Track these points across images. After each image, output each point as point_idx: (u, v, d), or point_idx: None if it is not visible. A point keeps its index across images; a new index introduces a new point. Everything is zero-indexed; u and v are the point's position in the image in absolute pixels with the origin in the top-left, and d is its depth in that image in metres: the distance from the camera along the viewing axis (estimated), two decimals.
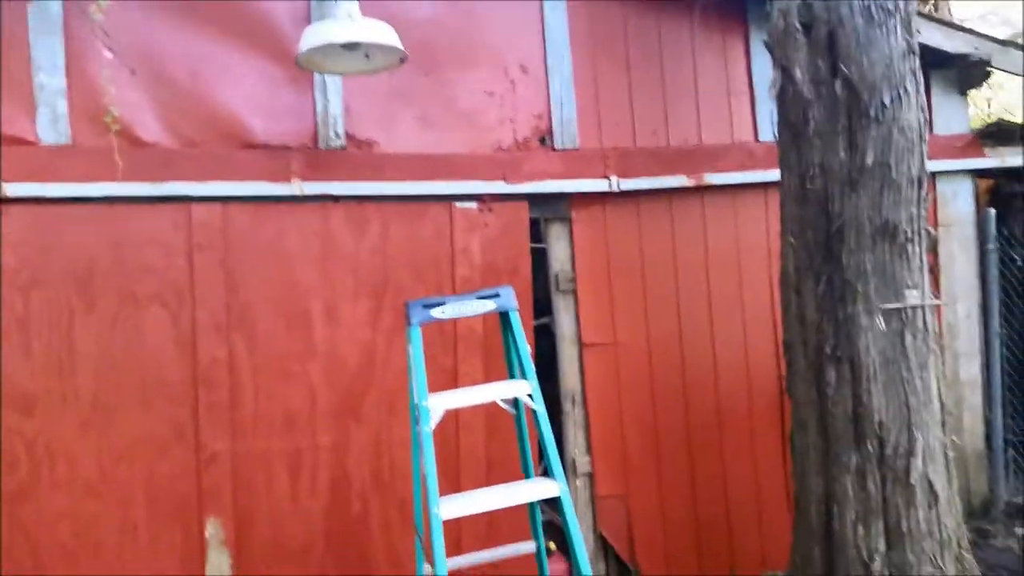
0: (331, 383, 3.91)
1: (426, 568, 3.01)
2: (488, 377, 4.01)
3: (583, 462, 4.32)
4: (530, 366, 2.98)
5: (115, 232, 3.66)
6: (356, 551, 3.88)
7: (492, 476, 3.83)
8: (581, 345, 4.34)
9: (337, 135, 4.02)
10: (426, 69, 4.19)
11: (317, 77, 3.99)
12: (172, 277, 3.71)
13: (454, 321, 3.98)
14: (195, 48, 3.86)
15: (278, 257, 3.89)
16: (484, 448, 4.08)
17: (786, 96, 3.52)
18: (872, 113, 3.27)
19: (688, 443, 4.46)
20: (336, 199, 3.97)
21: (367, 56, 3.62)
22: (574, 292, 4.35)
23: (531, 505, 3.14)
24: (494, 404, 3.10)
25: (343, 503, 3.88)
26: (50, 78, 3.63)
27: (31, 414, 3.51)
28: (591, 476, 4.33)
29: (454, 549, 3.42)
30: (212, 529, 3.68)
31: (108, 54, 3.63)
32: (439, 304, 3.07)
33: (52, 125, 3.63)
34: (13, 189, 3.51)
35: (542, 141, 4.41)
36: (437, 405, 2.89)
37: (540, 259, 4.39)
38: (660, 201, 4.48)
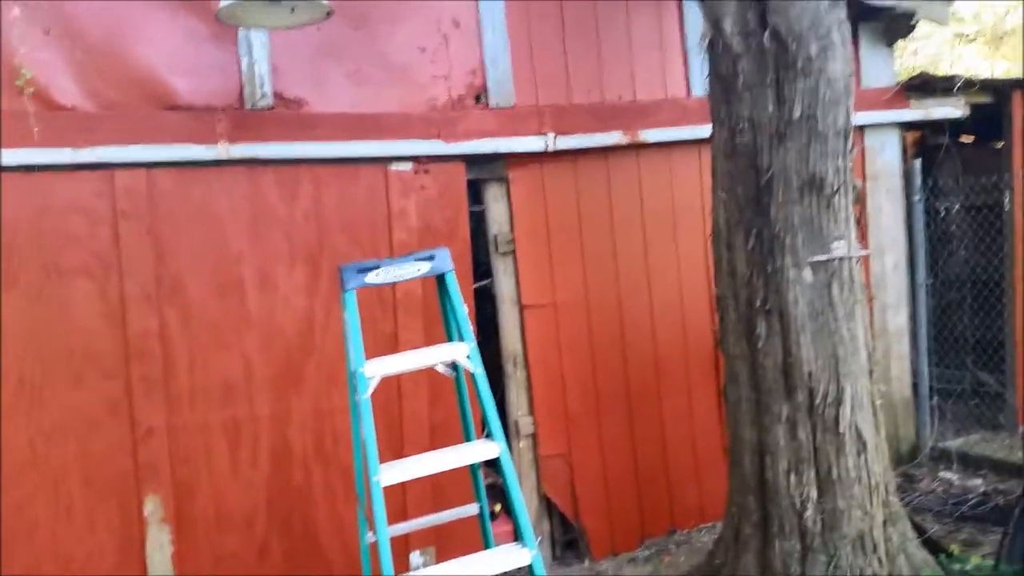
0: (268, 352, 3.84)
1: (369, 536, 3.03)
2: (429, 341, 3.96)
3: (526, 423, 4.37)
4: (468, 328, 2.97)
5: (35, 201, 3.50)
6: (300, 520, 3.87)
7: (436, 442, 3.83)
8: (521, 307, 4.36)
9: (264, 94, 3.89)
10: (356, 23, 4.06)
11: (241, 33, 3.83)
12: (97, 247, 3.58)
13: (393, 286, 3.93)
14: (111, 4, 3.65)
15: (207, 223, 3.78)
16: (427, 414, 4.08)
17: (716, 49, 3.52)
18: (799, 65, 3.30)
19: (628, 401, 4.55)
20: (265, 162, 3.85)
21: (292, 10, 3.48)
22: (513, 253, 4.34)
23: (473, 468, 3.16)
24: (436, 372, 3.10)
25: (285, 473, 3.85)
26: None
27: None
28: (534, 437, 4.39)
29: (399, 516, 3.45)
30: (151, 506, 3.61)
31: (16, 11, 3.43)
32: (374, 268, 3.02)
33: None
34: None
35: (477, 99, 4.34)
36: (374, 371, 2.87)
37: (478, 221, 4.37)
38: (597, 159, 4.48)
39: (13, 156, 3.44)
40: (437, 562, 3.87)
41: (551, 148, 4.32)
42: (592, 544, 4.44)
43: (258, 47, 3.88)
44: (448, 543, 3.79)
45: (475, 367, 2.91)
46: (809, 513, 3.27)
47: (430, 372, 3.42)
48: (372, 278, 3.00)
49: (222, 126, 3.75)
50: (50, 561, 3.47)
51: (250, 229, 3.84)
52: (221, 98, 3.83)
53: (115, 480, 3.58)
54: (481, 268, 4.38)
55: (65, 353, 3.53)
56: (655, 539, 4.54)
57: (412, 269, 3.05)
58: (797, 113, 3.32)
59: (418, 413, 4.06)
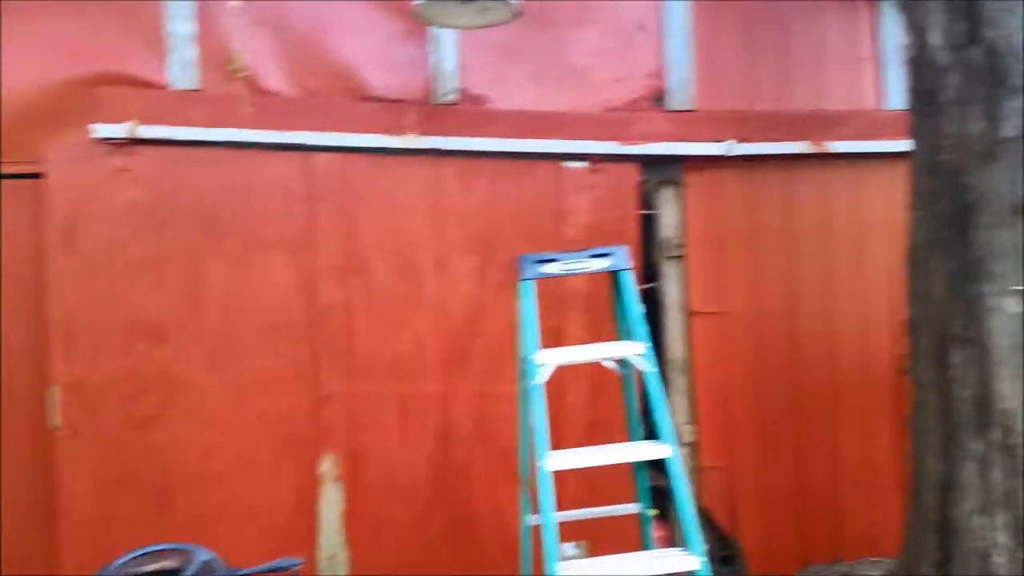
0: (439, 333, 4.03)
1: (530, 518, 3.10)
2: (591, 338, 4.03)
3: (686, 431, 4.32)
4: (642, 327, 2.99)
5: (242, 177, 3.83)
6: (459, 496, 4.02)
7: (594, 438, 3.88)
8: (688, 313, 4.32)
9: (450, 90, 4.08)
10: (541, 25, 4.17)
11: (433, 31, 4.03)
12: (294, 223, 3.87)
13: (560, 281, 4.00)
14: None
15: (392, 208, 4.00)
16: (586, 409, 4.13)
17: (919, 62, 3.35)
18: (1014, 81, 3.09)
19: (796, 418, 4.39)
20: (448, 153, 4.04)
21: (483, 10, 3.63)
22: (683, 258, 4.31)
23: (637, 469, 3.17)
24: (598, 366, 3.14)
25: (448, 449, 4.02)
26: (181, 25, 3.80)
27: (163, 345, 3.75)
28: (694, 446, 4.33)
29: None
30: (326, 465, 3.88)
31: (235, 2, 3.77)
32: (551, 260, 3.11)
33: (182, 71, 3.81)
34: (146, 131, 3.70)
35: (655, 101, 4.35)
36: (548, 360, 2.94)
37: (645, 224, 4.35)
38: (778, 168, 4.37)
39: (224, 134, 3.78)
40: (590, 556, 3.91)
41: (730, 154, 4.26)
42: (750, 562, 4.33)
43: (447, 45, 4.07)
44: (601, 539, 3.80)
45: (650, 367, 2.92)
46: (998, 559, 3.04)
47: (592, 368, 3.48)
48: (549, 269, 3.09)
49: (410, 118, 3.97)
50: (234, 506, 3.79)
51: (429, 216, 4.04)
52: (410, 92, 4.06)
53: (296, 438, 3.87)
54: (644, 271, 4.37)
55: (260, 317, 3.84)
56: (816, 566, 4.35)
57: (588, 264, 3.10)
58: (1009, 132, 3.11)
59: (577, 408, 4.11)
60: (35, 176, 3.64)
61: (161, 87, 3.77)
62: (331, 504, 3.89)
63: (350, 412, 3.93)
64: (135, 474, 3.72)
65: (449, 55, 4.05)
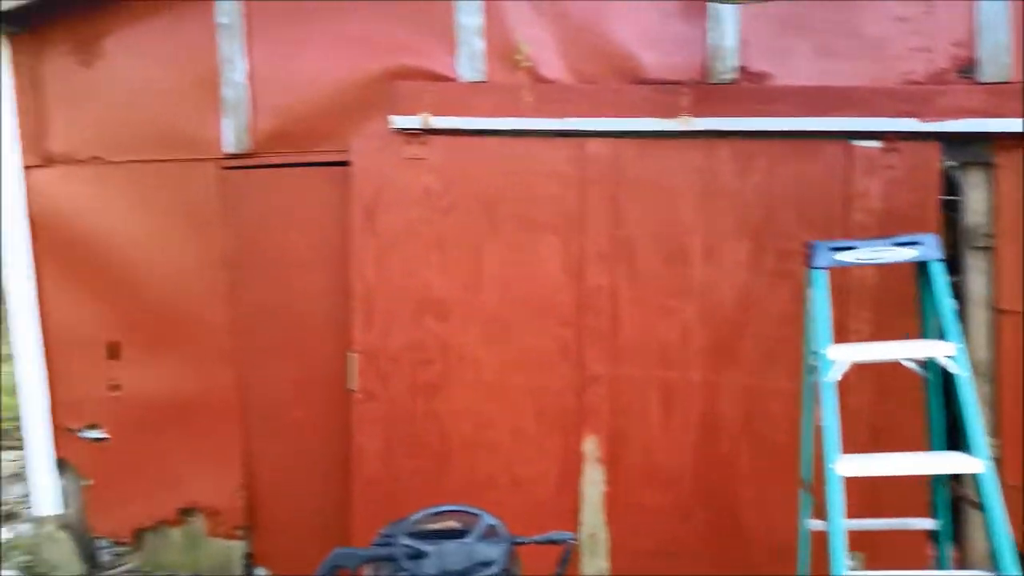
0: (706, 322, 3.95)
1: (812, 523, 2.96)
2: (876, 335, 3.74)
3: (988, 444, 3.86)
4: (954, 326, 2.71)
5: (519, 164, 4.02)
6: (723, 492, 3.95)
7: (878, 444, 3.61)
8: (995, 311, 3.84)
9: (729, 68, 3.95)
10: None
11: (711, 8, 3.92)
12: (565, 208, 4.00)
13: (843, 271, 3.75)
14: None
15: (660, 192, 3.98)
16: (870, 412, 3.84)
17: None
18: None
19: None
20: (723, 135, 3.93)
21: None
22: (991, 249, 3.84)
23: (936, 481, 2.90)
24: (885, 366, 2.90)
25: (712, 442, 3.96)
26: (469, 17, 4.03)
27: (446, 320, 4.07)
28: (997, 461, 3.86)
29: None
30: (590, 445, 4.00)
31: None
32: (847, 248, 2.92)
33: (470, 63, 4.05)
34: (438, 121, 4.01)
35: (962, 73, 3.88)
36: (841, 356, 2.78)
37: (946, 211, 3.93)
38: None
39: (505, 123, 3.98)
40: (866, 569, 3.67)
41: None
42: None
43: (727, 21, 3.94)
44: (880, 553, 3.56)
45: (961, 370, 2.65)
46: None
47: (878, 368, 3.22)
48: (844, 257, 2.91)
49: (685, 99, 3.91)
50: (503, 475, 4.05)
51: (700, 201, 3.96)
52: (685, 72, 3.98)
53: (561, 416, 4.03)
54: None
55: (530, 298, 4.03)
56: None
57: (892, 253, 2.87)
58: None
59: (859, 410, 3.83)
60: (342, 164, 4.09)
61: (451, 79, 4.04)
62: (593, 484, 4.01)
63: (613, 395, 4.00)
64: (418, 438, 4.10)
65: (729, 31, 3.92)
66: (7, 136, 4.40)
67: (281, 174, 4.24)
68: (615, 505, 3.99)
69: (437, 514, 2.99)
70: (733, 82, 3.94)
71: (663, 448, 3.97)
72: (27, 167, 4.44)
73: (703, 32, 3.98)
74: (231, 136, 4.24)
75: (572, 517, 4.02)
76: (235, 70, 4.18)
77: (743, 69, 3.95)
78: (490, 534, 2.60)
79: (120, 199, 4.37)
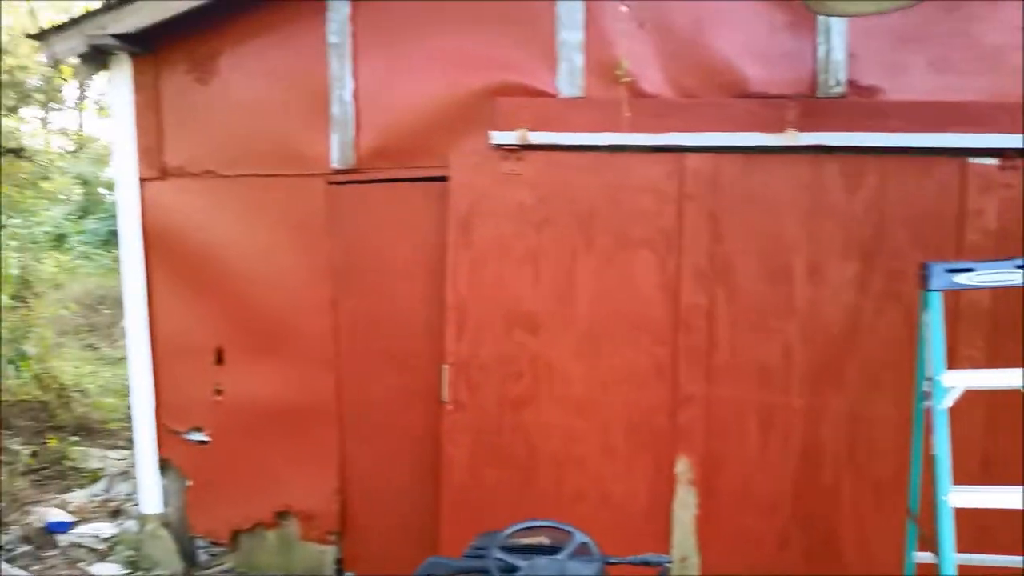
0: (809, 344, 3.85)
1: (919, 555, 2.83)
2: (989, 362, 3.56)
3: None
4: None
5: (615, 179, 4.02)
6: (822, 522, 3.83)
7: (989, 476, 3.42)
8: None
9: (837, 82, 3.85)
10: (947, 5, 3.76)
11: (821, 21, 3.84)
12: (662, 224, 3.97)
13: (955, 293, 3.60)
14: None
15: (763, 209, 3.91)
16: (980, 442, 3.65)
17: None
18: None
19: None
20: (830, 150, 3.83)
21: None
22: None
23: None
24: (997, 392, 2.75)
25: (812, 469, 3.84)
26: (570, 34, 4.07)
27: (536, 334, 4.09)
28: None
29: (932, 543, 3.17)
30: (682, 466, 3.94)
31: (623, 8, 3.95)
32: (964, 269, 2.78)
33: (569, 78, 4.08)
34: (535, 137, 4.05)
35: None
36: (957, 382, 2.65)
37: None
38: None
39: (603, 138, 3.99)
40: None
41: None
42: None
43: (836, 34, 3.85)
44: None
45: None
46: None
47: (987, 395, 3.06)
48: (962, 279, 2.77)
49: (791, 114, 3.83)
50: (591, 491, 4.04)
51: (805, 218, 3.87)
52: (792, 86, 3.91)
53: (653, 435, 3.99)
54: None
55: (624, 314, 4.01)
56: None
57: (1013, 276, 2.72)
58: None
59: (970, 439, 3.64)
60: (441, 179, 4.18)
61: (551, 95, 4.09)
62: (685, 506, 3.94)
63: (708, 416, 3.93)
64: (506, 449, 4.13)
65: (838, 45, 3.83)
66: (127, 150, 4.70)
67: (382, 189, 4.37)
68: (708, 529, 3.91)
69: (529, 529, 2.98)
70: (842, 96, 3.84)
71: (760, 472, 3.87)
72: (143, 179, 4.72)
73: (811, 45, 3.90)
74: (337, 152, 4.40)
75: (663, 539, 3.96)
76: (344, 88, 4.34)
77: (852, 83, 3.86)
78: (582, 552, 2.57)
79: (230, 211, 4.59)
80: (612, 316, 4.02)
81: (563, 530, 2.84)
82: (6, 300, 8.71)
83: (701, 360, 3.91)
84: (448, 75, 4.23)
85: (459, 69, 4.21)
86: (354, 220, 4.44)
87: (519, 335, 4.11)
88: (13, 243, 9.59)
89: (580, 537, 2.76)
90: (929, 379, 2.73)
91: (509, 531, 2.73)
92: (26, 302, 8.88)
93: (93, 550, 5.57)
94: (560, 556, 2.34)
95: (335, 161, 4.41)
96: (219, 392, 4.70)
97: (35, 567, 5.33)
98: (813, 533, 3.82)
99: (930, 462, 2.68)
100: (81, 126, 14.95)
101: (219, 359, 4.69)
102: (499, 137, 4.06)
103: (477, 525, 3.34)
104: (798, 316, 3.85)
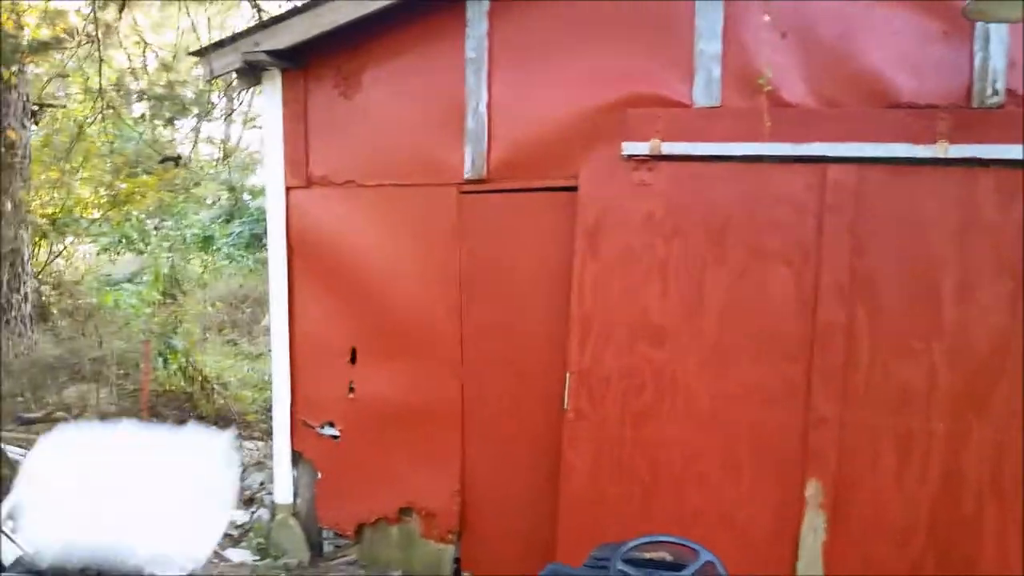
0: (955, 367, 3.72)
1: None
2: None
3: None
4: None
5: (750, 190, 4.02)
6: (962, 553, 3.69)
7: None
8: None
9: (995, 91, 3.71)
10: None
11: (978, 28, 3.71)
12: (799, 237, 3.92)
13: None
14: (844, 5, 3.92)
15: (909, 224, 3.81)
16: None
17: None
18: None
19: None
20: (985, 163, 3.68)
21: None
22: None
23: None
24: None
25: (953, 498, 3.70)
26: (708, 44, 4.10)
27: (661, 346, 4.12)
28: None
29: None
30: (812, 490, 3.87)
31: (766, 17, 3.92)
32: None
33: (706, 89, 4.11)
34: (668, 147, 4.10)
35: None
36: None
37: None
38: None
39: (740, 148, 3.99)
40: None
41: None
42: None
43: (995, 41, 3.71)
44: None
45: None
46: None
47: None
48: None
49: (943, 125, 3.72)
50: (712, 511, 4.04)
51: (955, 234, 3.74)
52: (945, 96, 3.80)
53: (781, 456, 3.95)
54: None
55: (756, 329, 3.99)
56: None
57: None
58: None
59: None
60: (570, 189, 4.29)
61: (686, 106, 4.13)
62: (814, 531, 3.86)
63: (842, 440, 3.85)
64: (626, 462, 4.19)
65: (997, 52, 3.69)
66: (276, 160, 5.07)
67: (512, 199, 4.54)
68: (836, 556, 3.82)
69: (652, 543, 2.97)
70: (1000, 107, 3.68)
71: (895, 499, 3.76)
72: (289, 188, 5.08)
73: (967, 53, 3.76)
74: (469, 163, 4.61)
75: (787, 564, 3.89)
76: (479, 101, 4.55)
77: (1012, 92, 3.68)
78: (708, 571, 2.54)
79: (368, 219, 4.89)
80: (743, 331, 4.01)
81: (689, 547, 2.83)
82: (157, 297, 9.51)
83: (837, 380, 3.84)
84: (580, 88, 4.35)
85: (592, 82, 4.32)
86: (484, 228, 4.63)
87: (643, 347, 4.16)
88: (165, 244, 10.48)
89: (706, 555, 2.73)
90: None
91: (633, 543, 2.74)
92: (175, 299, 9.66)
93: (227, 535, 5.99)
94: (684, 573, 2.36)
95: (468, 172, 4.61)
96: (352, 390, 4.98)
97: None
98: (951, 565, 3.67)
99: None
100: (228, 136, 16.11)
101: (353, 358, 4.96)
102: (630, 148, 4.13)
103: (593, 535, 3.41)
104: (944, 337, 3.72)
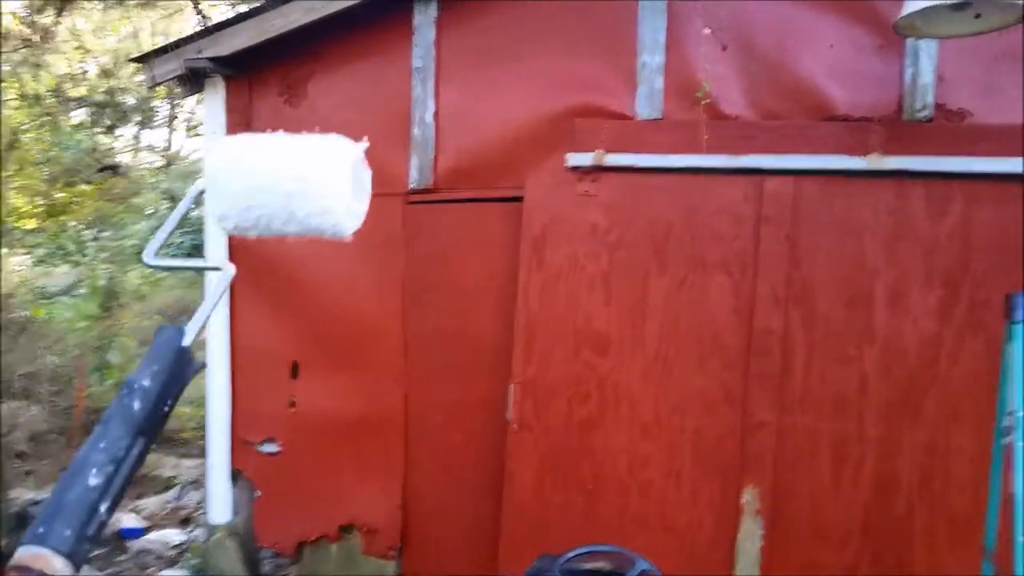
0: (887, 374, 3.89)
1: None
2: None
3: None
4: None
5: (691, 201, 4.18)
6: (894, 556, 3.85)
7: None
8: None
9: (924, 105, 3.91)
10: None
11: (909, 43, 3.92)
12: (737, 247, 4.09)
13: None
14: (782, 17, 4.10)
15: (843, 234, 3.99)
16: None
17: None
18: None
19: None
20: (915, 175, 3.88)
21: (977, 16, 3.40)
22: None
23: None
24: None
25: (885, 502, 3.87)
26: (651, 56, 4.26)
27: (605, 355, 4.24)
28: None
29: None
30: (748, 496, 4.01)
31: (706, 30, 4.09)
32: None
33: (648, 100, 4.27)
34: (611, 159, 4.25)
35: None
36: None
37: None
38: None
39: (680, 160, 4.15)
40: None
41: None
42: None
43: (924, 57, 3.92)
44: None
45: None
46: None
47: None
48: None
49: (875, 137, 3.91)
50: (655, 518, 4.17)
51: (887, 244, 3.93)
52: (878, 109, 4.00)
53: (720, 462, 4.09)
54: None
55: (696, 337, 4.14)
56: None
57: None
58: None
59: None
60: (515, 199, 4.41)
61: (629, 117, 4.28)
62: (751, 537, 4.00)
63: (779, 445, 4.00)
64: (570, 471, 4.30)
65: (926, 67, 3.91)
66: None
67: (457, 209, 4.65)
68: (774, 561, 3.97)
69: (590, 553, 3.07)
70: (929, 120, 3.89)
71: (831, 504, 3.92)
72: None
73: (899, 68, 3.96)
74: (415, 172, 4.70)
75: (726, 569, 4.03)
76: (426, 110, 4.65)
77: (939, 106, 3.91)
78: None
79: None
80: (683, 339, 4.15)
81: (625, 556, 2.93)
82: (93, 310, 9.38)
83: (774, 387, 4.00)
84: (527, 98, 4.48)
85: (538, 92, 4.45)
86: (429, 239, 4.73)
87: (587, 356, 4.27)
88: (103, 255, 10.34)
89: (642, 564, 2.83)
90: (1011, 414, 2.76)
91: (570, 554, 2.84)
92: (111, 313, 9.53)
93: (161, 556, 5.94)
94: None
95: (414, 181, 4.70)
96: (293, 404, 4.99)
97: (107, 571, 5.72)
98: (883, 567, 3.84)
99: (1009, 499, 2.68)
100: (169, 143, 15.95)
101: (294, 372, 4.98)
102: (575, 159, 4.27)
103: (539, 545, 3.49)
104: (877, 344, 3.90)
